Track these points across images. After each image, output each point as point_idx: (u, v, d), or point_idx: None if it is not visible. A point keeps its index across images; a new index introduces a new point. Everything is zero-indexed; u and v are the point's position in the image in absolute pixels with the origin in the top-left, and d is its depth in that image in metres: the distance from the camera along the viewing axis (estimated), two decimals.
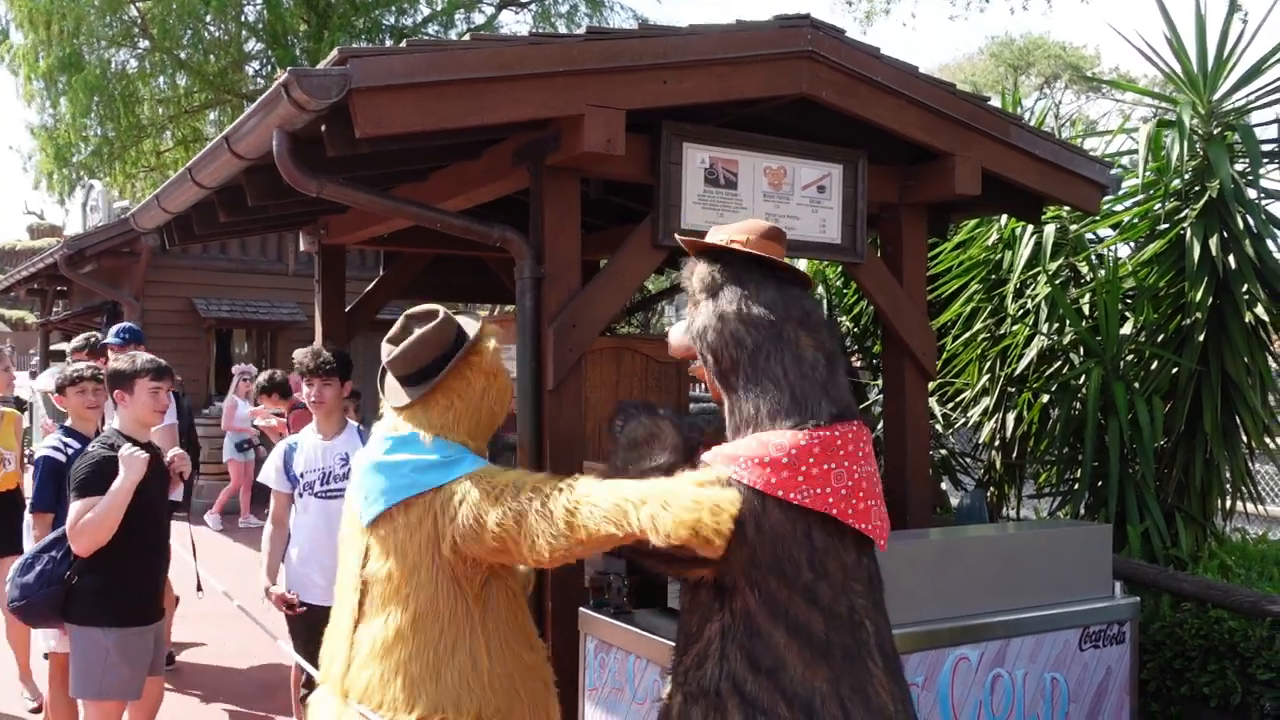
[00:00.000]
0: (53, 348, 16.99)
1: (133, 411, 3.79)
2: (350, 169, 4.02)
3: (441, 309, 2.62)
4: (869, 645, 2.14)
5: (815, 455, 2.10)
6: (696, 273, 2.36)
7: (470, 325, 2.62)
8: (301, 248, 6.18)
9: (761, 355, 2.21)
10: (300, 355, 4.24)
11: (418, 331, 2.56)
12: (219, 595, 4.65)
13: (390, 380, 2.63)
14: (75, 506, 3.53)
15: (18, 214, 42.46)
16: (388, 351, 2.61)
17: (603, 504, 2.19)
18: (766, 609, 2.08)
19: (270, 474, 4.24)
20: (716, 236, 2.41)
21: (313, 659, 3.75)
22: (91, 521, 3.50)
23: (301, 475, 4.15)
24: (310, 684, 4.16)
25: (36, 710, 5.08)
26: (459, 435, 2.51)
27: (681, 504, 2.05)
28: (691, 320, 2.34)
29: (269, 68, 18.14)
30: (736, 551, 2.07)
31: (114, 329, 5.86)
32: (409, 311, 2.67)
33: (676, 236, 2.43)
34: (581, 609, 3.45)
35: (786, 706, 2.03)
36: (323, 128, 3.34)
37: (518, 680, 2.47)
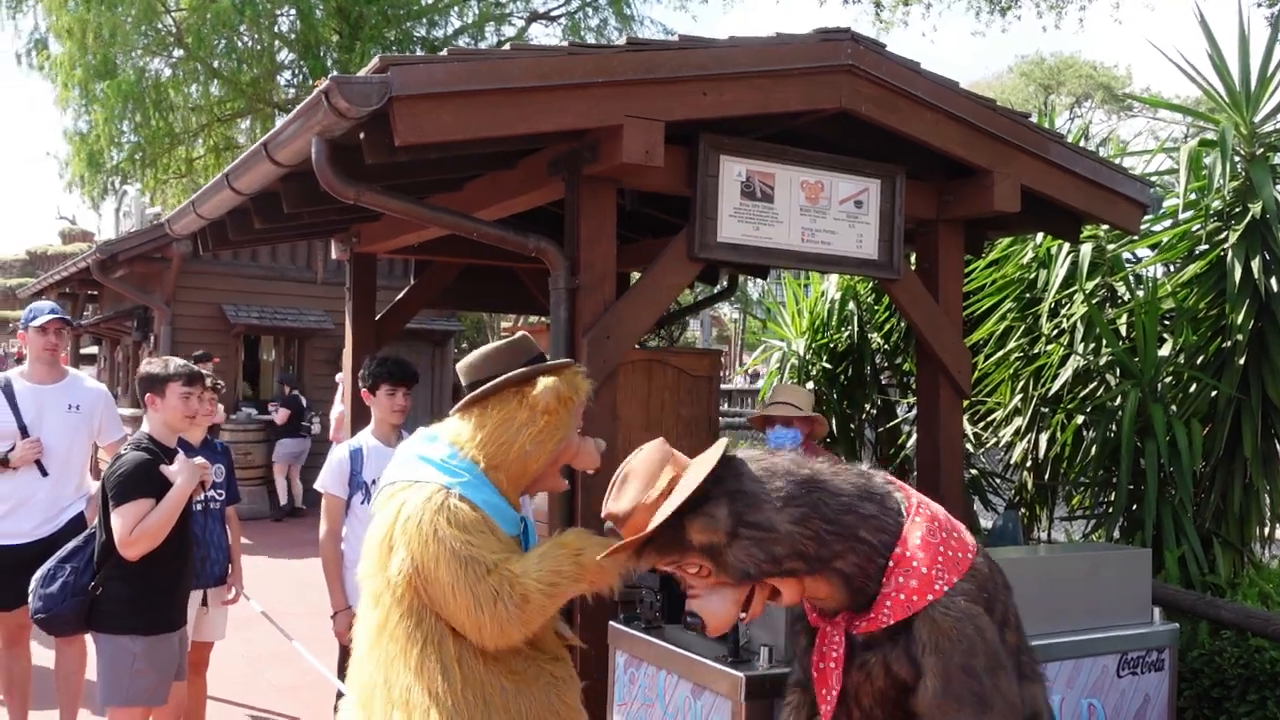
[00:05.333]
0: (83, 352, 17.16)
1: (163, 415, 3.79)
2: (386, 178, 4.02)
3: (529, 337, 2.59)
4: None
5: (942, 519, 2.16)
6: (698, 531, 2.05)
7: (567, 361, 2.56)
8: (333, 255, 6.20)
9: (820, 505, 2.07)
10: (381, 365, 4.20)
11: (490, 346, 2.54)
12: (245, 599, 4.66)
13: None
14: (125, 513, 3.49)
15: (51, 219, 42.97)
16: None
17: (545, 568, 2.32)
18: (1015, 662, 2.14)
19: (332, 480, 4.13)
20: (665, 504, 2.09)
21: None
22: (148, 529, 3.50)
23: (373, 482, 4.09)
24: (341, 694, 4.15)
25: None
26: (474, 453, 2.41)
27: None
28: (726, 565, 2.04)
29: (301, 77, 18.33)
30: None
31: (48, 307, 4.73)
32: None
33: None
34: (611, 623, 3.41)
35: None
36: (361, 135, 3.34)
37: (494, 695, 2.31)
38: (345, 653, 4.12)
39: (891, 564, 2.08)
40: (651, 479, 2.13)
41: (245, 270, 12.88)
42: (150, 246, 11.55)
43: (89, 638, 3.87)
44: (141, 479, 3.55)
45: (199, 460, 3.79)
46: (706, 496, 2.05)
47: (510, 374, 2.44)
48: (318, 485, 4.24)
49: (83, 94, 17.37)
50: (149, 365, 3.87)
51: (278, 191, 4.24)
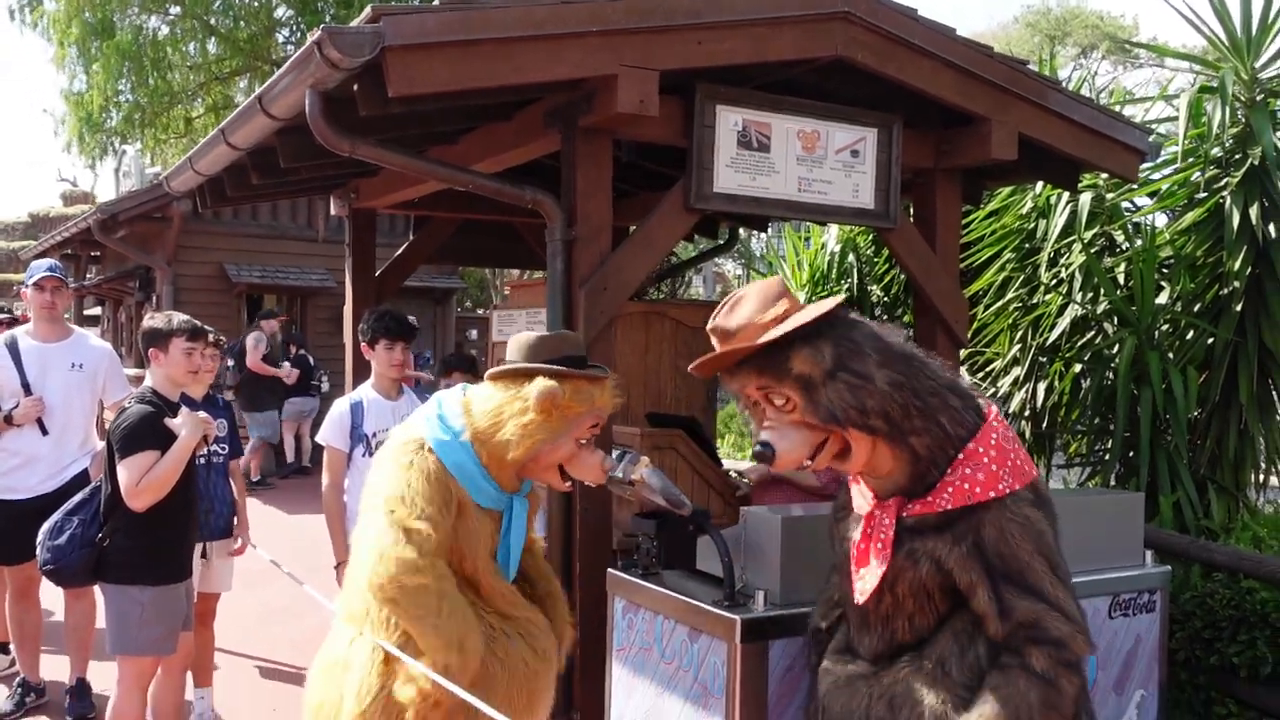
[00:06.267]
0: (86, 313, 17.20)
1: (166, 370, 3.82)
2: (382, 131, 4.02)
3: (571, 336, 2.79)
4: None
5: (1013, 434, 2.23)
6: (801, 361, 2.11)
7: (594, 372, 2.64)
8: (332, 212, 6.21)
9: (914, 379, 2.15)
10: (380, 320, 4.21)
11: (537, 334, 2.68)
12: (251, 549, 4.72)
13: None
14: (131, 464, 3.52)
15: (51, 181, 42.83)
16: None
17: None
18: None
19: (333, 433, 4.16)
20: (778, 327, 2.15)
21: None
22: (155, 480, 3.54)
23: (374, 434, 4.14)
24: None
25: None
26: (471, 421, 2.57)
27: None
28: (816, 403, 2.10)
29: (299, 34, 18.15)
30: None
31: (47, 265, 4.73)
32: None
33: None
34: (610, 570, 3.46)
35: None
36: (355, 87, 3.34)
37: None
38: None
39: (961, 456, 2.15)
40: (767, 303, 2.20)
41: (246, 229, 12.86)
42: (151, 206, 11.54)
43: (98, 591, 3.93)
44: (146, 431, 3.58)
45: (202, 415, 3.83)
46: (817, 332, 2.12)
47: (522, 364, 2.58)
48: (319, 438, 4.28)
49: (80, 52, 17.23)
50: (152, 320, 3.89)
51: (274, 147, 4.25)
